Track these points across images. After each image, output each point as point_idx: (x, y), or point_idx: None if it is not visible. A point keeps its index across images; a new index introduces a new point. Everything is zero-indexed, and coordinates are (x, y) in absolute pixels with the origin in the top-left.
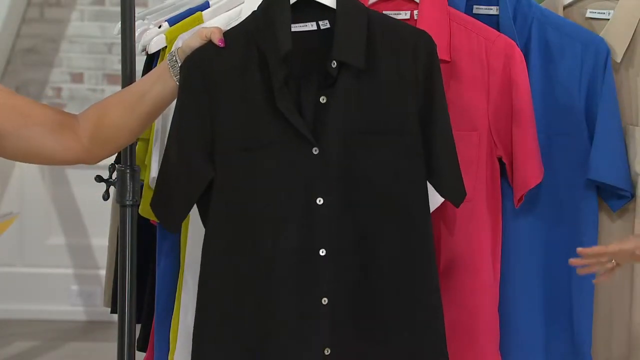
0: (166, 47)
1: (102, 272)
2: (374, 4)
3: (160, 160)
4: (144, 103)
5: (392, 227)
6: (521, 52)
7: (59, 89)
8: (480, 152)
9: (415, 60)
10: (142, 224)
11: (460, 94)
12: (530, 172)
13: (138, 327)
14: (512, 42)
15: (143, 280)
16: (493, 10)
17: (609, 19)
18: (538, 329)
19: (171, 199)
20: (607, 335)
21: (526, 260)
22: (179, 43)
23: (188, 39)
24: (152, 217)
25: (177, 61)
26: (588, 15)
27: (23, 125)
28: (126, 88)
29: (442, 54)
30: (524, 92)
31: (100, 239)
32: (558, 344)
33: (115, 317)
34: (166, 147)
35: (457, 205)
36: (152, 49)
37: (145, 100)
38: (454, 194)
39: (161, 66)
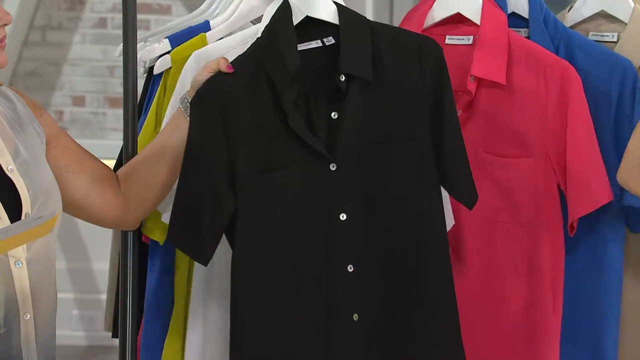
0: (171, 67)
1: (103, 297)
2: (432, 26)
3: None
4: (166, 154)
5: (410, 234)
6: (578, 75)
7: (60, 112)
8: (536, 179)
9: (422, 67)
10: (141, 244)
11: (514, 119)
12: (583, 195)
13: None
14: (570, 65)
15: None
16: (522, 32)
17: (613, 41)
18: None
19: (200, 231)
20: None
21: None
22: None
23: (196, 75)
24: (154, 237)
25: (189, 102)
26: (590, 37)
27: (75, 172)
28: (148, 144)
29: (498, 77)
30: (581, 115)
31: (101, 263)
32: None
33: (116, 341)
34: (184, 179)
35: (471, 208)
36: (157, 70)
37: (166, 150)
38: (467, 196)
39: (175, 113)
